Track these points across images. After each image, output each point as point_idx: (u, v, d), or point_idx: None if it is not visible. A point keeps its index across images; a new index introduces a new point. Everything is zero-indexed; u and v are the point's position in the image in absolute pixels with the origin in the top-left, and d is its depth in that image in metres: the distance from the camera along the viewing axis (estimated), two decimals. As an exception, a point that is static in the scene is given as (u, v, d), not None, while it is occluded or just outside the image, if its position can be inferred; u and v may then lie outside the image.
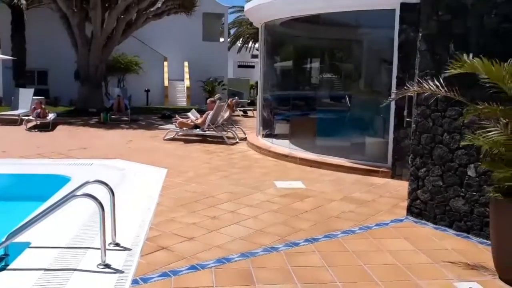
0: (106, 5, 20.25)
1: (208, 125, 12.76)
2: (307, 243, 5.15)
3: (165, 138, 13.15)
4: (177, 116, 14.51)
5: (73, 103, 22.63)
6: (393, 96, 5.68)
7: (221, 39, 34.53)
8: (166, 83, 29.90)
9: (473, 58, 4.90)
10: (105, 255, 4.31)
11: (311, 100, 11.89)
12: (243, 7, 16.45)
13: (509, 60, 4.36)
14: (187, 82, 30.12)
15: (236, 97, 19.29)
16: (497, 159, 4.48)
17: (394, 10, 8.05)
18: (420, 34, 5.95)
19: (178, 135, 13.33)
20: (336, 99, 12.09)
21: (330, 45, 12.52)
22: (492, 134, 4.44)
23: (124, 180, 7.92)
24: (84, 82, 20.49)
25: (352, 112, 11.08)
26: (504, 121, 4.45)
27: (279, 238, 5.26)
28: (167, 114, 19.28)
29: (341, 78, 12.67)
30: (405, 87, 5.34)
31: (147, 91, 27.50)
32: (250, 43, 38.62)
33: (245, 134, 13.50)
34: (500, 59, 4.35)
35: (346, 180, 8.31)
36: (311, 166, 9.34)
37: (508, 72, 4.29)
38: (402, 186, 7.29)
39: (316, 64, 12.82)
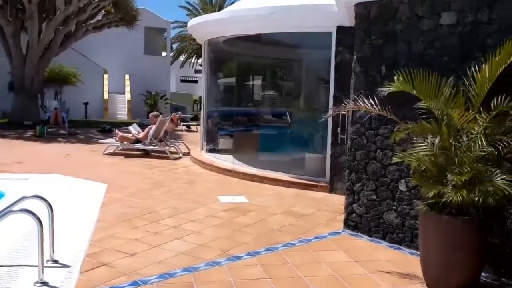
0: (44, 15, 19.59)
1: (151, 139, 12.63)
2: (249, 256, 5.26)
3: (105, 152, 12.85)
4: (117, 130, 14.22)
5: (6, 116, 21.49)
6: (330, 112, 5.98)
7: (164, 54, 34.31)
8: (106, 96, 29.18)
9: (403, 79, 5.32)
10: (42, 273, 4.19)
11: (254, 116, 12.16)
12: (186, 23, 16.51)
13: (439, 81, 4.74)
14: (128, 96, 29.56)
15: (179, 112, 19.20)
16: (425, 174, 4.84)
17: (331, 32, 8.49)
18: (355, 57, 6.33)
19: (118, 150, 13.07)
20: (277, 116, 12.44)
21: (272, 63, 12.91)
22: (420, 151, 4.81)
23: (63, 195, 7.68)
24: (19, 93, 19.59)
25: (292, 128, 11.45)
26: (431, 138, 4.83)
27: (221, 252, 5.34)
28: (107, 128, 18.82)
29: (282, 96, 13.06)
30: (342, 105, 5.66)
31: (86, 104, 26.68)
32: (193, 58, 38.61)
33: (188, 149, 13.49)
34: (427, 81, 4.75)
35: (287, 194, 8.55)
36: (253, 181, 9.52)
37: (437, 93, 4.66)
38: (339, 200, 7.61)
39: (258, 81, 13.15)
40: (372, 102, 5.28)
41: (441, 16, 5.47)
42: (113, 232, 5.92)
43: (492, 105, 4.49)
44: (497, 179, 4.17)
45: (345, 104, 5.64)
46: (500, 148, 4.37)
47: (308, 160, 9.77)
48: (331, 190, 8.61)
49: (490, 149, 4.30)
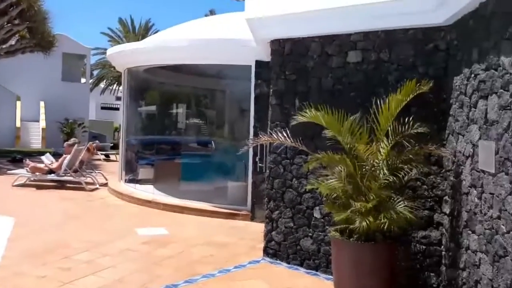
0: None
1: (65, 170, 12.05)
2: (167, 290, 5.18)
3: (15, 184, 12.04)
4: (27, 160, 13.40)
5: None
6: (249, 144, 6.14)
7: (83, 80, 33.12)
8: (18, 123, 27.40)
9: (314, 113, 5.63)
10: None
11: (176, 144, 12.09)
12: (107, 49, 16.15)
13: (348, 116, 5.08)
14: (42, 123, 27.99)
15: (97, 141, 18.52)
16: (336, 202, 5.12)
17: (250, 66, 8.80)
18: (271, 90, 6.61)
19: (30, 181, 12.30)
20: (200, 144, 12.47)
21: (195, 93, 13.01)
22: (331, 180, 5.09)
23: (-38, 234, 7.05)
24: None
25: (215, 157, 11.51)
26: (340, 168, 5.13)
27: (138, 287, 5.19)
28: (18, 157, 17.65)
29: (206, 124, 13.14)
30: (259, 137, 5.86)
31: (-6, 132, 24.86)
32: (115, 85, 37.62)
33: (106, 179, 13.01)
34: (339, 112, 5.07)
35: (209, 224, 8.54)
36: (174, 211, 9.39)
37: (345, 126, 4.97)
38: (260, 228, 7.73)
39: (181, 110, 13.14)
40: (285, 134, 5.52)
41: (348, 55, 5.91)
42: (19, 269, 5.54)
43: (389, 137, 4.89)
44: (399, 206, 4.52)
45: (261, 135, 5.85)
46: (401, 176, 4.76)
47: (230, 189, 9.86)
48: (253, 218, 8.73)
49: (392, 178, 4.66)
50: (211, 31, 9.80)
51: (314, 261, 6.05)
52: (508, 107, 3.67)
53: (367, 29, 5.71)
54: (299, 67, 6.31)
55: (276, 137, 5.50)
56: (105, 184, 12.45)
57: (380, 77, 5.63)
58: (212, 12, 22.75)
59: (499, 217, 3.69)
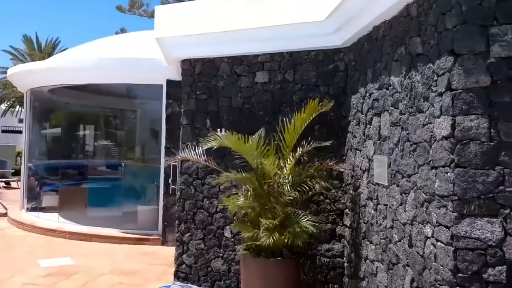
0: None
1: (-44, 199, 10.89)
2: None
3: None
4: None
5: None
6: (165, 163, 6.00)
7: (-18, 101, 30.58)
8: None
9: (224, 132, 5.67)
10: None
11: (83, 168, 11.45)
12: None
13: (253, 136, 5.14)
14: None
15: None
16: (244, 219, 5.13)
17: (161, 85, 8.67)
18: (182, 110, 6.55)
19: None
20: (110, 168, 11.92)
21: (104, 113, 12.49)
22: (239, 198, 5.10)
23: None
24: None
25: (125, 180, 11.07)
26: (248, 186, 5.17)
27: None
28: None
29: (116, 146, 12.63)
30: (174, 156, 5.75)
31: None
32: (17, 106, 35.07)
33: (5, 209, 11.96)
34: (246, 133, 5.13)
35: (118, 251, 8.13)
36: (81, 240, 8.85)
37: (251, 146, 5.02)
38: (171, 252, 7.50)
39: (89, 132, 12.54)
40: (197, 154, 5.47)
41: (256, 75, 6.05)
42: None
43: (292, 154, 5.03)
44: (303, 221, 4.63)
45: (175, 155, 5.74)
46: (305, 191, 4.90)
47: (140, 213, 9.51)
48: (164, 242, 8.47)
49: (296, 194, 4.78)
50: (121, 50, 9.55)
51: (225, 282, 5.98)
52: (398, 124, 3.95)
53: (273, 51, 5.90)
54: (210, 86, 6.33)
55: (188, 156, 5.42)
56: (5, 214, 11.45)
57: (286, 97, 5.81)
58: (123, 30, 22.24)
59: (392, 227, 3.91)
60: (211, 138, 5.28)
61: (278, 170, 4.98)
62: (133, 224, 9.21)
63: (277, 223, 4.58)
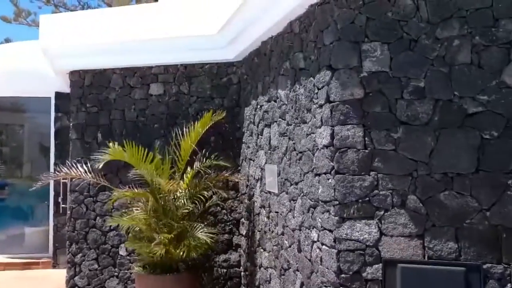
0: None
1: None
2: None
3: None
4: None
5: None
6: (43, 180, 5.57)
7: None
8: None
9: (118, 145, 5.46)
10: None
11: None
12: None
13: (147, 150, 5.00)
14: None
15: None
16: (139, 236, 4.96)
17: (50, 98, 8.14)
18: (71, 124, 6.20)
19: None
20: (-6, 188, 10.85)
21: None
22: (134, 214, 4.93)
23: None
24: None
25: (11, 200, 10.14)
26: (143, 202, 5.02)
27: None
28: None
29: (2, 164, 11.54)
30: (56, 173, 5.38)
31: None
32: None
33: None
34: (140, 147, 4.97)
35: (2, 278, 7.40)
36: (-43, 269, 7.91)
37: (147, 160, 4.87)
38: (63, 275, 7.02)
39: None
40: (86, 169, 5.21)
41: (150, 87, 5.94)
42: None
43: (188, 167, 5.01)
44: (199, 233, 4.61)
45: (59, 172, 5.39)
46: (202, 203, 4.89)
47: (28, 235, 8.75)
48: (55, 265, 7.88)
49: (192, 206, 4.75)
50: (5, 60, 8.79)
51: (121, 302, 5.73)
52: (285, 134, 4.12)
53: (167, 63, 5.84)
54: (101, 99, 6.08)
55: (76, 173, 5.12)
56: None
57: (181, 109, 5.78)
58: (7, 40, 20.58)
59: (283, 233, 4.05)
60: (103, 152, 5.05)
61: (174, 183, 4.91)
62: (19, 248, 8.45)
63: (172, 236, 4.51)
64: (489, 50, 3.08)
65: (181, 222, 4.69)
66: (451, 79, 3.11)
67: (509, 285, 2.90)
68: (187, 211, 4.75)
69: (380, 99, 3.21)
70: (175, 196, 4.88)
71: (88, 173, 5.17)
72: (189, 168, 5.05)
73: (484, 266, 2.94)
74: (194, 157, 5.20)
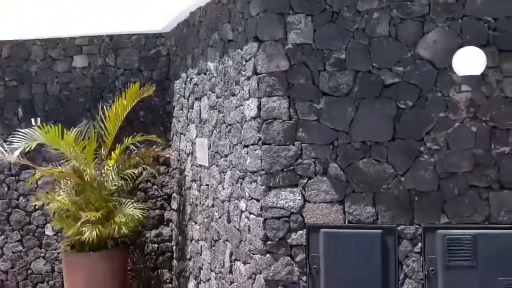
0: None
1: None
2: None
3: None
4: None
5: None
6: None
7: None
8: None
9: (40, 122, 5.19)
10: None
11: None
12: None
13: (71, 129, 4.79)
14: None
15: None
16: (66, 215, 4.79)
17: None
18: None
19: None
20: None
21: None
22: (60, 193, 4.75)
23: None
24: None
25: None
26: (69, 180, 4.83)
27: None
28: None
29: None
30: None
31: None
32: None
33: None
34: (65, 122, 4.76)
35: None
36: None
37: (70, 139, 4.64)
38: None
39: None
40: (2, 149, 4.92)
41: (74, 59, 5.65)
42: None
43: (116, 143, 4.87)
44: (128, 210, 4.53)
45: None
46: (132, 180, 4.80)
47: None
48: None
49: (121, 183, 4.65)
50: None
51: (48, 283, 5.54)
52: (215, 107, 4.11)
53: (91, 34, 5.58)
54: (21, 72, 5.71)
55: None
56: None
57: (107, 82, 5.57)
58: None
59: (213, 205, 4.08)
60: (23, 136, 4.76)
61: (101, 160, 4.76)
62: None
63: (100, 215, 4.40)
64: (405, 23, 3.23)
65: (110, 199, 4.58)
66: (370, 51, 3.24)
67: (420, 244, 3.13)
68: (115, 188, 4.64)
69: (304, 71, 3.27)
70: (103, 173, 4.74)
71: (5, 152, 4.87)
72: (117, 144, 4.90)
73: (399, 228, 3.15)
74: (122, 132, 5.06)
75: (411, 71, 3.21)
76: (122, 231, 4.37)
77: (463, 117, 3.18)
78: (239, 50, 3.59)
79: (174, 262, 5.17)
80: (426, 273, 3.10)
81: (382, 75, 3.23)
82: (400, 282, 3.12)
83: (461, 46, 3.12)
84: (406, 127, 3.21)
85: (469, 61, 3.02)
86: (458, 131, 3.17)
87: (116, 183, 4.61)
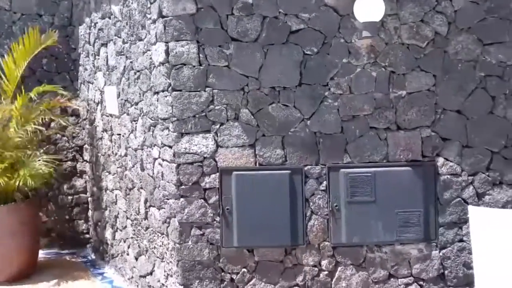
0: None
1: None
2: None
3: None
4: None
5: None
6: None
7: None
8: None
9: None
10: None
11: None
12: None
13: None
14: None
15: None
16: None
17: None
18: None
19: None
20: None
21: None
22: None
23: None
24: None
25: None
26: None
27: None
28: None
29: None
30: None
31: None
32: None
33: None
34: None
35: None
36: None
37: None
38: None
39: None
40: None
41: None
42: None
43: (18, 92, 4.55)
44: (35, 162, 4.32)
45: None
46: (38, 131, 4.55)
47: None
48: None
49: (26, 134, 4.39)
50: None
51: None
52: (122, 53, 3.95)
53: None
54: None
55: None
56: None
57: (3, 27, 5.10)
58: None
59: (126, 155, 4.03)
60: None
61: (2, 111, 4.44)
62: None
63: (6, 166, 4.17)
64: (310, -31, 3.27)
65: (15, 151, 4.32)
66: (277, -4, 3.26)
67: (325, 182, 3.35)
68: (19, 139, 4.38)
69: (212, 14, 3.23)
70: (5, 125, 4.44)
71: None
72: (18, 94, 4.57)
73: (305, 168, 3.34)
74: (25, 81, 4.73)
75: (316, 17, 3.30)
76: (30, 184, 4.17)
77: (364, 62, 3.36)
78: (144, -8, 3.44)
79: (90, 212, 5.09)
80: (330, 209, 3.35)
81: (288, 21, 3.28)
82: (307, 218, 3.34)
83: (362, -7, 3.24)
84: (312, 73, 3.33)
85: (369, 7, 3.16)
86: (360, 76, 3.36)
87: (21, 135, 4.35)
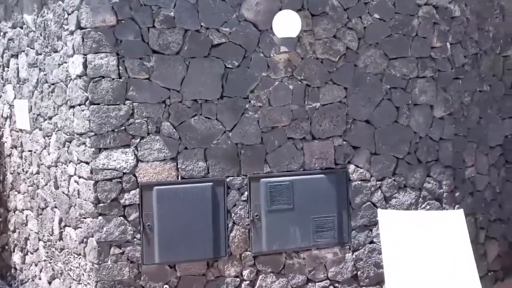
0: None
1: None
2: None
3: None
4: None
5: None
6: None
7: None
8: None
9: None
10: None
11: None
12: None
13: None
14: None
15: None
16: None
17: None
18: None
19: None
20: None
21: None
22: None
23: None
24: None
25: None
26: None
27: None
28: None
29: None
30: None
31: None
32: None
33: None
34: None
35: None
36: None
37: None
38: None
39: None
40: None
41: None
42: None
43: None
44: None
45: None
46: None
47: None
48: None
49: None
50: None
51: None
52: (35, 65, 3.76)
53: None
54: None
55: None
56: None
57: None
58: None
59: (38, 172, 3.80)
60: None
61: None
62: None
63: None
64: (229, -16, 3.36)
65: None
66: (198, 10, 3.30)
67: (246, 192, 3.40)
68: None
69: (132, 27, 3.19)
70: None
71: None
72: None
73: (228, 179, 3.37)
74: None
75: (237, 32, 3.38)
76: None
77: (282, 76, 3.50)
78: (60, 1, 3.32)
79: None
80: (251, 218, 3.40)
81: (210, 35, 3.34)
82: (229, 229, 3.37)
83: (280, 9, 3.39)
84: (233, 86, 3.40)
85: (287, 23, 3.31)
86: (278, 89, 3.49)
87: None
